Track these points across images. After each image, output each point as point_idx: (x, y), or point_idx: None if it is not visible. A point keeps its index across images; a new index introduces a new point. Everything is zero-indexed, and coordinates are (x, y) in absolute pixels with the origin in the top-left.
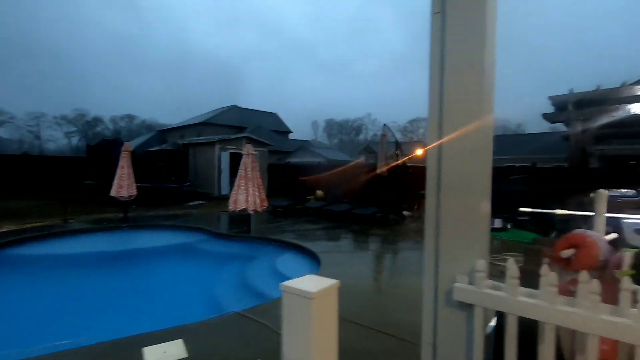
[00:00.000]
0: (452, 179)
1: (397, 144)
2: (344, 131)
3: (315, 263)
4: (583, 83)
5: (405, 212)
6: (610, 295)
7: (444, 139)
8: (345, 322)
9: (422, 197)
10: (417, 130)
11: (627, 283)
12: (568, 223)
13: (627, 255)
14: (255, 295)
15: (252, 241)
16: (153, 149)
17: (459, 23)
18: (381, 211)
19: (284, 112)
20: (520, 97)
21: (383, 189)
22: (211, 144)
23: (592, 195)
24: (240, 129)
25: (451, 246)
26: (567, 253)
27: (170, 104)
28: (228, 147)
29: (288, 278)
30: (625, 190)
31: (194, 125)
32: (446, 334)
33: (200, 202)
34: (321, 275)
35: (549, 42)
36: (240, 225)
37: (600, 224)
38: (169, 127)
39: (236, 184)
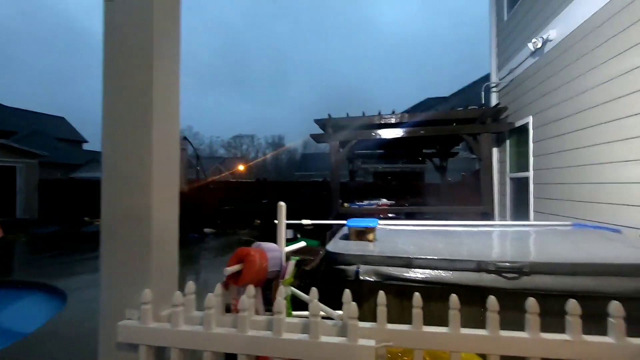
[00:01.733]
0: (124, 203)
1: (198, 158)
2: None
3: (60, 303)
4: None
5: (207, 230)
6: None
7: (116, 145)
8: None
9: (227, 212)
10: (241, 146)
11: (281, 292)
12: (327, 231)
13: (290, 264)
14: None
15: None
16: None
17: (128, 19)
18: (179, 230)
19: (78, 117)
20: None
21: (182, 205)
22: None
23: (345, 205)
24: (4, 134)
25: (124, 276)
26: (229, 270)
27: None
28: None
29: (4, 330)
30: (385, 200)
31: None
32: None
33: None
34: (61, 316)
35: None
36: None
37: (282, 232)
38: None
39: None
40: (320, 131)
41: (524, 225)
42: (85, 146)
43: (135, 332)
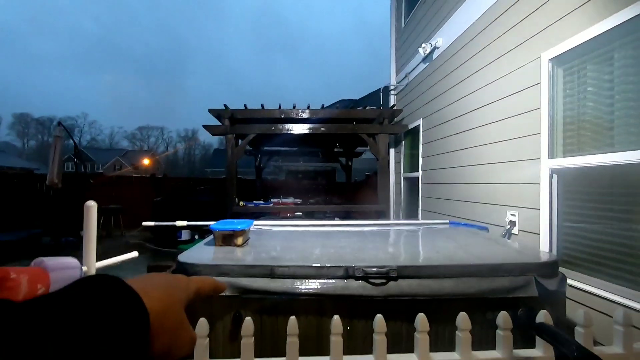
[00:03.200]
0: None
1: (76, 148)
2: (47, 132)
3: None
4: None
5: None
6: None
7: None
8: None
9: (113, 211)
10: (148, 139)
11: None
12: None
13: None
14: None
15: None
16: None
17: None
18: (48, 233)
19: None
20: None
21: (54, 204)
22: None
23: (242, 204)
24: None
25: None
26: None
27: None
28: None
29: None
30: (292, 199)
31: None
32: None
33: None
34: None
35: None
36: None
37: (91, 241)
38: None
39: None
40: (217, 122)
41: (405, 224)
42: None
43: None
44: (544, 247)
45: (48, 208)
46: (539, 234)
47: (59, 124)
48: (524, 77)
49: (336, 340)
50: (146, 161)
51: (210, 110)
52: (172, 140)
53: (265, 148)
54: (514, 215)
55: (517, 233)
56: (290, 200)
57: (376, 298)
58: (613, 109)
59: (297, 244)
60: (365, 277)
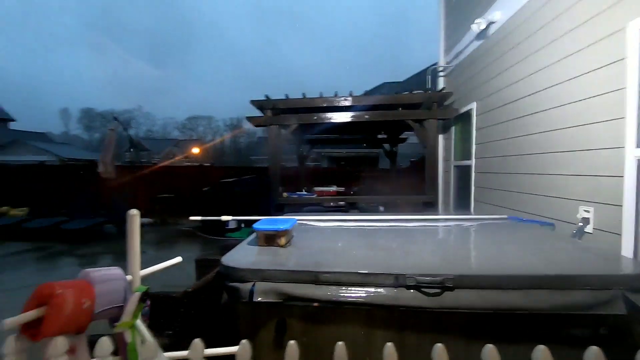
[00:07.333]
0: None
1: (132, 140)
2: (109, 125)
3: None
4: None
5: (143, 220)
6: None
7: None
8: None
9: (165, 200)
10: (197, 128)
11: (103, 345)
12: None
13: (132, 299)
14: None
15: None
16: None
17: None
18: (111, 221)
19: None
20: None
21: (112, 193)
22: None
23: (285, 195)
24: None
25: None
26: (11, 322)
27: None
28: None
29: None
30: (335, 187)
31: None
32: None
33: None
34: None
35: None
36: None
37: (134, 250)
38: None
39: None
40: (258, 113)
41: (459, 220)
42: (14, 125)
43: None
44: (628, 250)
45: (110, 197)
46: (620, 235)
47: (115, 118)
48: (604, 53)
49: None
50: (196, 150)
51: (252, 102)
52: (219, 129)
53: (307, 136)
54: (588, 211)
55: (591, 232)
56: (333, 188)
57: (429, 310)
58: None
59: (343, 244)
60: (418, 286)
